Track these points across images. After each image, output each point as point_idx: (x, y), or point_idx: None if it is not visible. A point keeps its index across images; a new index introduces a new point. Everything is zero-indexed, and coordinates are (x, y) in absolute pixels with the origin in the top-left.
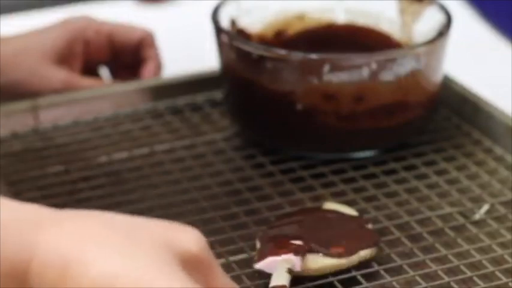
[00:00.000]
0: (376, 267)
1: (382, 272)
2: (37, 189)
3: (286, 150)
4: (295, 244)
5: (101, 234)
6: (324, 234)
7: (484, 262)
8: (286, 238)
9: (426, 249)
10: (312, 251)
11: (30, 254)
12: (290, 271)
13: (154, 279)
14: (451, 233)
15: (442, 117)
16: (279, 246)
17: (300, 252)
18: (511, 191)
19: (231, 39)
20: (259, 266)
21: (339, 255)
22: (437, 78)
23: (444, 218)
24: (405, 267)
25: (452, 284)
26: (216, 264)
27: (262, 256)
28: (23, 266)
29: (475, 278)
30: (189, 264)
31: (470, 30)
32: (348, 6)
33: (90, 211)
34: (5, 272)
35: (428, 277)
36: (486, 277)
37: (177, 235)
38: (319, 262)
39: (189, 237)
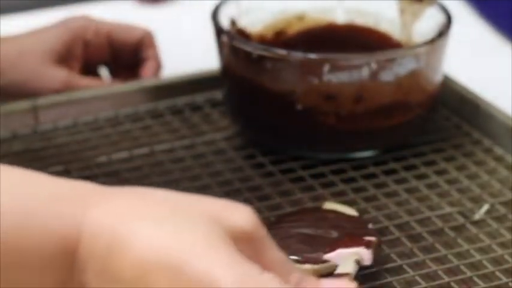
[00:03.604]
0: (376, 267)
1: (382, 272)
2: None
3: (286, 150)
4: (366, 239)
5: (149, 209)
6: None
7: (484, 262)
8: (361, 234)
9: (426, 249)
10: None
11: (79, 229)
12: (358, 262)
13: (203, 254)
14: (451, 233)
15: (442, 117)
16: (351, 240)
17: (370, 246)
18: (511, 191)
19: (231, 39)
20: (328, 256)
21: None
22: (437, 78)
23: (444, 218)
24: (405, 267)
25: (452, 284)
26: (269, 242)
27: (332, 248)
28: (73, 241)
29: (475, 278)
30: (241, 241)
31: (470, 30)
32: (348, 6)
33: (138, 187)
34: (54, 247)
35: (428, 277)
36: (486, 277)
37: (227, 212)
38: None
39: (240, 214)
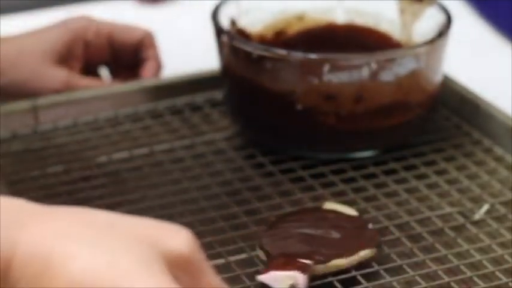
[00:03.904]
0: (376, 267)
1: (382, 272)
2: (37, 189)
3: (286, 150)
4: (302, 262)
5: (83, 231)
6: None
7: (484, 262)
8: (295, 255)
9: (426, 249)
10: (318, 263)
11: (12, 250)
12: (292, 287)
13: (136, 279)
14: (451, 233)
15: (442, 117)
16: (286, 262)
17: (306, 270)
18: (511, 191)
19: (231, 39)
20: (262, 278)
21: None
22: (437, 78)
23: (444, 218)
24: (405, 267)
25: (452, 284)
26: (206, 266)
27: (267, 269)
28: (5, 262)
29: (475, 278)
30: (177, 265)
31: (470, 30)
32: (348, 6)
33: (73, 207)
34: None
35: (428, 277)
36: (486, 277)
37: (165, 235)
38: None
39: (178, 238)
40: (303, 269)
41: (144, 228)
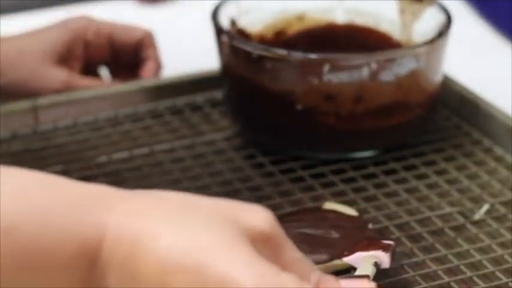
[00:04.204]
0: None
1: (382, 272)
2: None
3: (286, 150)
4: (384, 243)
5: (167, 211)
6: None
7: (484, 262)
8: (379, 238)
9: (426, 249)
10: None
11: (101, 232)
12: (376, 264)
13: (222, 255)
14: (451, 233)
15: (442, 117)
16: (369, 244)
17: (389, 249)
18: (511, 191)
19: (231, 39)
20: (348, 259)
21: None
22: (437, 78)
23: (444, 218)
24: (405, 267)
25: (452, 284)
26: (287, 242)
27: (351, 251)
28: (95, 245)
29: (475, 278)
30: (259, 242)
31: (470, 30)
32: (348, 6)
33: (157, 190)
34: (76, 252)
35: (428, 277)
36: (486, 277)
37: (245, 213)
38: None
39: (257, 216)
40: (385, 248)
41: (226, 207)
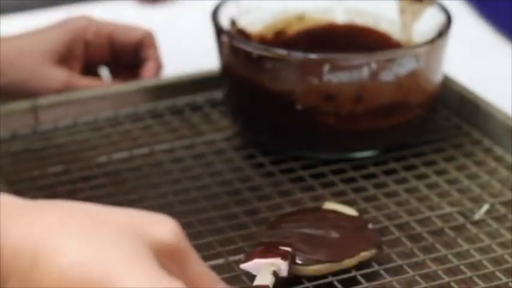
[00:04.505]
0: (376, 267)
1: (382, 272)
2: (37, 189)
3: (286, 150)
4: (282, 249)
5: (71, 224)
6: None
7: (484, 262)
8: (276, 244)
9: (426, 249)
10: (318, 263)
11: (0, 243)
12: (275, 273)
13: (125, 271)
14: (451, 233)
15: (442, 117)
16: (266, 250)
17: (287, 257)
18: (511, 191)
19: (231, 39)
20: (245, 266)
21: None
22: (437, 78)
23: (444, 218)
24: (405, 267)
25: (452, 284)
26: (192, 254)
27: (249, 258)
28: None
29: (475, 278)
30: (163, 254)
31: (470, 30)
32: (348, 6)
33: (60, 201)
34: None
35: (428, 277)
36: (486, 277)
37: (151, 224)
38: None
39: (164, 227)
40: (283, 255)
41: (130, 218)
